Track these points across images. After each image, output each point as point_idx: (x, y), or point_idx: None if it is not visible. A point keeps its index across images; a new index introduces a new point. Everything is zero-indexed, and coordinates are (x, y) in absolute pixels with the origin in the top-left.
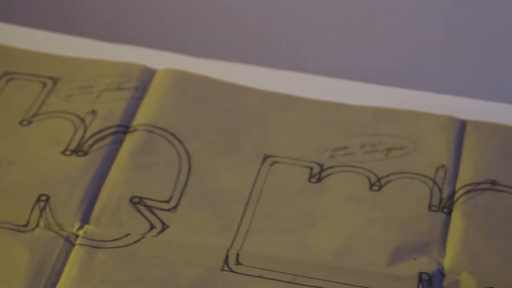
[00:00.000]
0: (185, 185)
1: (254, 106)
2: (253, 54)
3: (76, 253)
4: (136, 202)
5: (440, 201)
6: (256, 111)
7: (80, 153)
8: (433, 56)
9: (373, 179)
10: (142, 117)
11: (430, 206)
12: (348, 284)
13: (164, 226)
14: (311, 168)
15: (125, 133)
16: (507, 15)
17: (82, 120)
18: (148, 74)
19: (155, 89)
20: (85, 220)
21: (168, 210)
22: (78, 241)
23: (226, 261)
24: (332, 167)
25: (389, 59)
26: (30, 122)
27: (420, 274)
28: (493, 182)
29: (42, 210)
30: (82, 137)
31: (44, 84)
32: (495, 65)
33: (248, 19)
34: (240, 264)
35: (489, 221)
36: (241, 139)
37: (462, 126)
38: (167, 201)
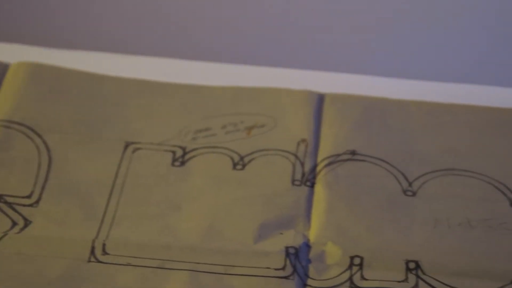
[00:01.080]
0: (46, 179)
1: (112, 93)
2: (107, 41)
3: None
4: None
5: (303, 174)
6: (114, 98)
7: None
8: (289, 31)
9: (236, 158)
10: None
11: (293, 181)
12: (216, 265)
13: (27, 222)
14: (173, 152)
15: None
16: None
17: None
18: (0, 69)
19: (9, 83)
20: None
21: (30, 205)
22: None
23: (92, 252)
24: (194, 149)
25: (245, 37)
26: None
27: (287, 248)
28: (353, 153)
29: None
30: None
31: None
32: (350, 37)
33: (100, 5)
34: (107, 253)
35: (351, 191)
36: (101, 127)
37: (320, 99)
38: (28, 197)
